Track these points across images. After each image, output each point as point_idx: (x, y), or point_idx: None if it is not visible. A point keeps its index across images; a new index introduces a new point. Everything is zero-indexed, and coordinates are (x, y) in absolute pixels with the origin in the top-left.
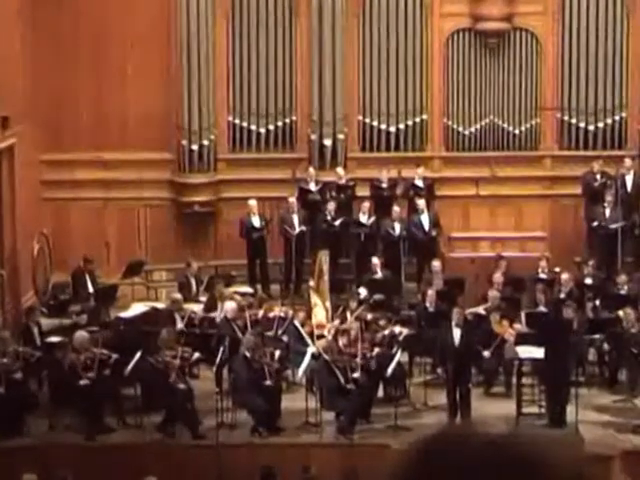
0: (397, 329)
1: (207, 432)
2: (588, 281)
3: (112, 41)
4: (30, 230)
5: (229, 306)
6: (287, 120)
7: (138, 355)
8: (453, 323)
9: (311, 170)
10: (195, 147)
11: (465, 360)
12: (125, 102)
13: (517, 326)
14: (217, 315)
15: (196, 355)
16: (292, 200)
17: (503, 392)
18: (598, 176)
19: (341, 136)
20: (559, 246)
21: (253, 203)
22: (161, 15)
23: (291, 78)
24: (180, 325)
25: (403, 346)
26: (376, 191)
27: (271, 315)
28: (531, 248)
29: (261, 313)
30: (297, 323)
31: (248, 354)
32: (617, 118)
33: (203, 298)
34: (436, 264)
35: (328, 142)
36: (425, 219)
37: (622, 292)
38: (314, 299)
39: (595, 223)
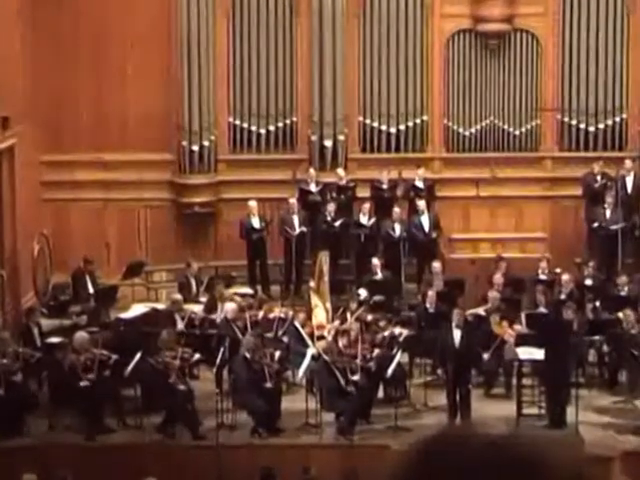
0: (397, 330)
1: (207, 433)
2: (588, 282)
3: (112, 41)
4: (30, 231)
5: (229, 307)
6: (287, 121)
7: (138, 356)
8: (453, 324)
9: (311, 171)
10: (195, 148)
11: (465, 361)
12: (125, 102)
13: (517, 327)
14: (217, 316)
15: (196, 356)
16: (292, 201)
17: (503, 393)
18: (598, 177)
19: (341, 137)
20: (559, 247)
21: (253, 204)
22: (161, 15)
23: (291, 79)
24: (180, 326)
25: (403, 347)
26: (376, 192)
27: (271, 316)
28: (531, 249)
29: (261, 314)
30: (297, 324)
31: (248, 355)
32: (617, 119)
33: (203, 299)
34: (436, 265)
35: (328, 143)
36: (425, 220)
37: (622, 293)
38: (314, 300)
39: (595, 224)
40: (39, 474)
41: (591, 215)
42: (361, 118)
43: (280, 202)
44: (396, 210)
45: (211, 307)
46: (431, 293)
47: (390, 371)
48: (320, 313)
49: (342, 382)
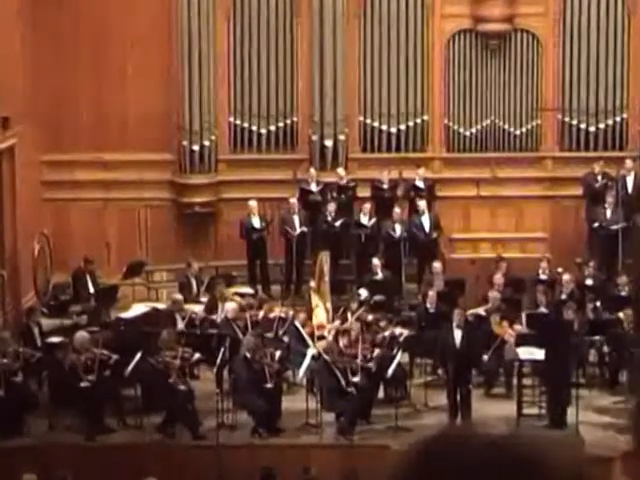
0: (397, 330)
1: (207, 433)
2: (589, 282)
3: (112, 41)
4: (31, 230)
5: (230, 306)
6: (288, 121)
7: (138, 356)
8: (454, 324)
9: (312, 171)
10: (196, 148)
11: (465, 361)
12: (125, 102)
13: (517, 327)
14: (218, 316)
15: (196, 356)
16: (293, 201)
17: (503, 393)
18: (599, 177)
19: (342, 137)
20: (560, 247)
21: (253, 204)
22: (161, 15)
23: (292, 79)
24: (181, 326)
25: (404, 347)
26: (377, 192)
27: (271, 316)
28: (532, 249)
29: (261, 314)
30: (298, 324)
31: (248, 355)
32: (618, 119)
33: (204, 299)
34: (437, 265)
35: (329, 143)
36: (426, 220)
37: (623, 293)
38: (315, 300)
39: (596, 224)
40: (39, 474)
41: (592, 215)
42: (362, 118)
43: (281, 202)
44: (396, 210)
45: (212, 307)
46: (431, 293)
47: (390, 371)
48: (321, 313)
49: (342, 382)
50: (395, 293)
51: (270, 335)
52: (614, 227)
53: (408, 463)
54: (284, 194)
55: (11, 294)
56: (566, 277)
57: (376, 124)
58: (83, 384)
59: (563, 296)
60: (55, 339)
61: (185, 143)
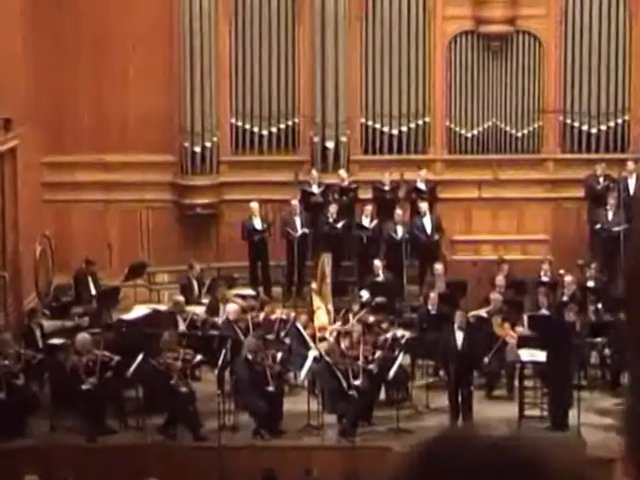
0: (399, 332)
1: (209, 434)
2: (590, 284)
3: (114, 42)
4: (32, 232)
5: (231, 308)
6: (289, 122)
7: (140, 357)
8: (455, 326)
9: (314, 172)
10: (197, 149)
11: (467, 363)
12: (127, 104)
13: (519, 329)
14: (219, 317)
15: (198, 357)
16: (294, 202)
17: (505, 395)
18: (601, 179)
19: (343, 138)
20: (561, 249)
21: (254, 205)
22: (163, 16)
23: (293, 80)
24: (182, 327)
25: (405, 349)
26: (378, 194)
27: (273, 317)
28: (533, 251)
29: (263, 315)
30: (299, 325)
31: (250, 357)
32: (620, 121)
33: (205, 300)
34: (438, 267)
35: (330, 144)
36: (427, 222)
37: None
38: (316, 302)
39: (598, 226)
40: (41, 475)
41: (593, 217)
42: (363, 120)
43: (282, 204)
44: (398, 212)
45: (213, 308)
46: (433, 295)
47: (392, 373)
48: (322, 315)
49: (344, 384)
50: (396, 295)
51: (271, 337)
52: (616, 229)
53: (409, 465)
54: (286, 196)
55: (13, 296)
56: (568, 279)
57: (378, 126)
58: (85, 386)
59: (565, 298)
60: (57, 341)
61: (187, 144)
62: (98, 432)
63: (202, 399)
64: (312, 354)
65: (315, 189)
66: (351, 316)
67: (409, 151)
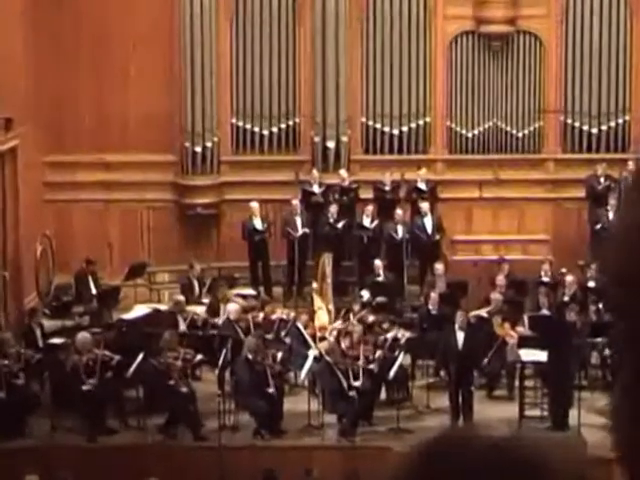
0: (400, 332)
1: (209, 434)
2: (591, 284)
3: (114, 43)
4: (33, 232)
5: (232, 308)
6: (290, 122)
7: (140, 357)
8: (456, 326)
9: (314, 172)
10: (198, 149)
11: (468, 363)
12: (127, 104)
13: (519, 329)
14: (220, 317)
15: (198, 357)
16: (295, 202)
17: (506, 395)
18: (602, 179)
19: (344, 138)
20: (562, 249)
21: (255, 205)
22: (163, 16)
23: (294, 80)
24: (182, 327)
25: (405, 349)
26: (379, 194)
27: (273, 317)
28: (534, 251)
29: (262, 315)
30: (300, 325)
31: (250, 356)
32: (620, 121)
33: (206, 300)
34: (439, 267)
35: (331, 144)
36: (428, 222)
37: None
38: (317, 302)
39: (598, 226)
40: (41, 475)
41: (594, 217)
42: (364, 119)
43: (283, 203)
44: (398, 212)
45: (214, 308)
46: (433, 295)
47: (392, 373)
48: (323, 315)
49: (344, 384)
50: (397, 295)
51: (272, 336)
52: None
53: (410, 465)
54: (286, 195)
55: (13, 295)
56: (569, 279)
57: (378, 126)
58: (85, 387)
59: (565, 298)
60: (57, 340)
61: (187, 144)
62: (98, 432)
63: (202, 399)
64: (312, 353)
65: (316, 189)
66: (352, 316)
67: (410, 151)
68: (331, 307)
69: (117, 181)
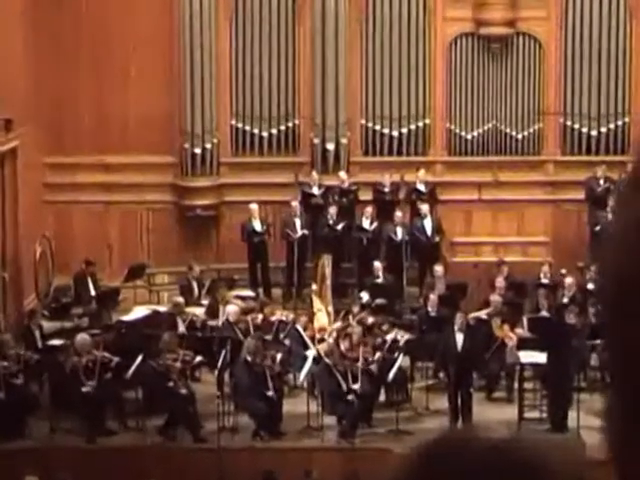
0: (399, 334)
1: (208, 436)
2: (591, 286)
3: (114, 43)
4: (32, 233)
5: (231, 309)
6: (290, 124)
7: (140, 358)
8: (456, 328)
9: (314, 174)
10: (198, 150)
11: (467, 365)
12: (127, 105)
13: (519, 331)
14: (219, 319)
15: (198, 358)
16: (295, 204)
17: (505, 397)
18: (601, 181)
19: (344, 140)
20: (561, 251)
21: (254, 207)
22: (163, 17)
23: (294, 82)
24: (182, 328)
25: (405, 350)
26: (378, 195)
27: (273, 319)
28: (533, 253)
29: (261, 317)
30: (299, 327)
31: (249, 358)
32: (620, 123)
33: (205, 302)
34: (438, 269)
35: (331, 146)
36: (428, 224)
37: None
38: (317, 304)
39: (598, 228)
40: (41, 476)
41: (594, 219)
42: (363, 121)
43: (282, 205)
44: (398, 213)
45: (213, 310)
46: (433, 297)
47: (391, 375)
48: (322, 317)
49: (343, 386)
50: (396, 296)
51: (271, 338)
52: None
53: (409, 466)
54: (286, 197)
55: (12, 296)
56: (568, 281)
57: (378, 127)
58: (84, 389)
59: (565, 300)
60: (56, 342)
61: (187, 146)
62: (98, 433)
63: (202, 400)
64: (310, 353)
65: (315, 191)
66: (351, 317)
67: (409, 153)
68: (330, 309)
69: (117, 182)
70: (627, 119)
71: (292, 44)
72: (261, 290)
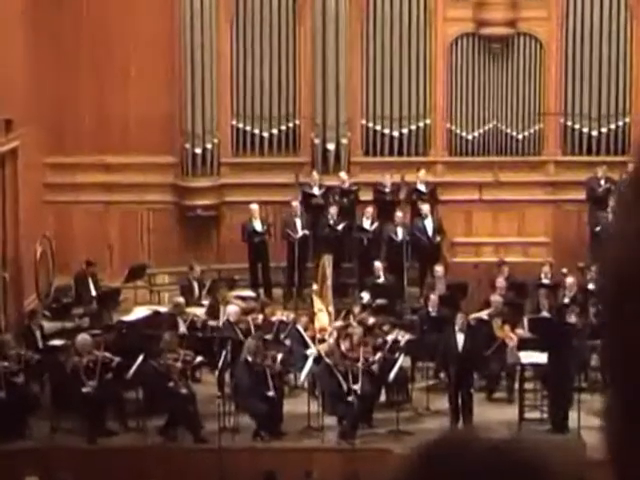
0: (400, 334)
1: (209, 436)
2: (591, 286)
3: (115, 44)
4: (33, 233)
5: (232, 309)
6: (290, 124)
7: (140, 358)
8: (456, 328)
9: (314, 174)
10: (198, 151)
11: (467, 365)
12: (128, 105)
13: (519, 331)
14: (220, 319)
15: (198, 359)
16: (295, 204)
17: (505, 397)
18: (602, 181)
19: (344, 140)
20: (562, 251)
21: (254, 207)
22: (164, 18)
23: (294, 82)
24: (182, 329)
25: (405, 351)
26: (379, 195)
27: (273, 319)
28: (534, 253)
29: (261, 317)
30: (299, 327)
31: (250, 358)
32: (620, 123)
33: (205, 302)
34: (439, 269)
35: (331, 146)
36: (429, 224)
37: None
38: (317, 304)
39: (598, 228)
40: (41, 477)
41: (594, 219)
42: (364, 121)
43: (283, 205)
44: (398, 214)
45: (213, 310)
46: (433, 297)
47: (392, 375)
48: (323, 317)
49: (344, 386)
50: (397, 297)
51: (271, 338)
52: None
53: (409, 467)
54: (286, 197)
55: (13, 296)
56: (569, 281)
57: (378, 127)
58: (85, 389)
59: (566, 300)
60: (57, 342)
61: (187, 146)
62: (98, 434)
63: (202, 401)
64: (310, 352)
65: (316, 191)
66: (352, 318)
67: (410, 153)
68: (331, 309)
69: (117, 183)
70: (627, 119)
71: (293, 44)
72: (262, 290)
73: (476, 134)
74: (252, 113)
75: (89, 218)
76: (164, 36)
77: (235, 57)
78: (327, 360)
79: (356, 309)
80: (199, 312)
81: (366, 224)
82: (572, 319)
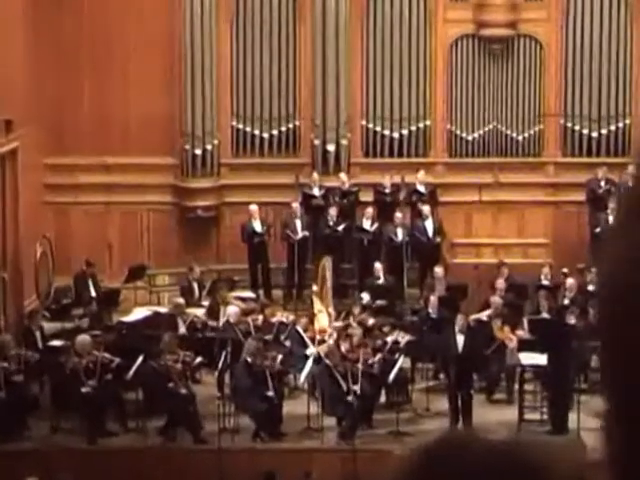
0: (400, 335)
1: (209, 437)
2: (591, 288)
3: (115, 44)
4: (33, 233)
5: (232, 310)
6: (290, 125)
7: (140, 359)
8: (456, 329)
9: (314, 175)
10: (198, 152)
11: (467, 366)
12: (128, 106)
13: (519, 332)
14: (220, 320)
15: (198, 359)
16: (295, 205)
17: (505, 398)
18: (602, 183)
19: (344, 141)
20: (562, 252)
21: (254, 208)
22: (164, 19)
23: (294, 83)
24: (182, 329)
25: (405, 352)
26: (379, 196)
27: (273, 320)
28: (534, 254)
29: (261, 318)
30: (299, 328)
31: (250, 359)
32: (620, 125)
33: (205, 303)
34: (438, 270)
35: (331, 147)
36: (429, 225)
37: None
38: (317, 305)
39: (598, 229)
40: (41, 477)
41: (594, 220)
42: (364, 122)
43: (283, 206)
44: (398, 215)
45: (213, 311)
46: (433, 298)
47: (392, 376)
48: (323, 318)
49: (344, 387)
50: (397, 298)
51: (271, 339)
52: None
53: (409, 468)
54: (286, 198)
55: (13, 297)
56: (569, 282)
57: (378, 129)
58: (85, 390)
59: (566, 301)
60: (57, 342)
61: (187, 147)
62: (98, 434)
63: (202, 401)
64: (310, 353)
65: (316, 192)
66: (351, 319)
67: (410, 154)
68: (331, 310)
69: (117, 183)
70: (628, 121)
71: (292, 45)
72: (261, 291)
73: (476, 135)
74: (252, 114)
75: (89, 219)
76: (164, 36)
77: (235, 58)
78: (327, 361)
79: (356, 310)
80: (199, 313)
81: (366, 225)
82: (572, 320)
